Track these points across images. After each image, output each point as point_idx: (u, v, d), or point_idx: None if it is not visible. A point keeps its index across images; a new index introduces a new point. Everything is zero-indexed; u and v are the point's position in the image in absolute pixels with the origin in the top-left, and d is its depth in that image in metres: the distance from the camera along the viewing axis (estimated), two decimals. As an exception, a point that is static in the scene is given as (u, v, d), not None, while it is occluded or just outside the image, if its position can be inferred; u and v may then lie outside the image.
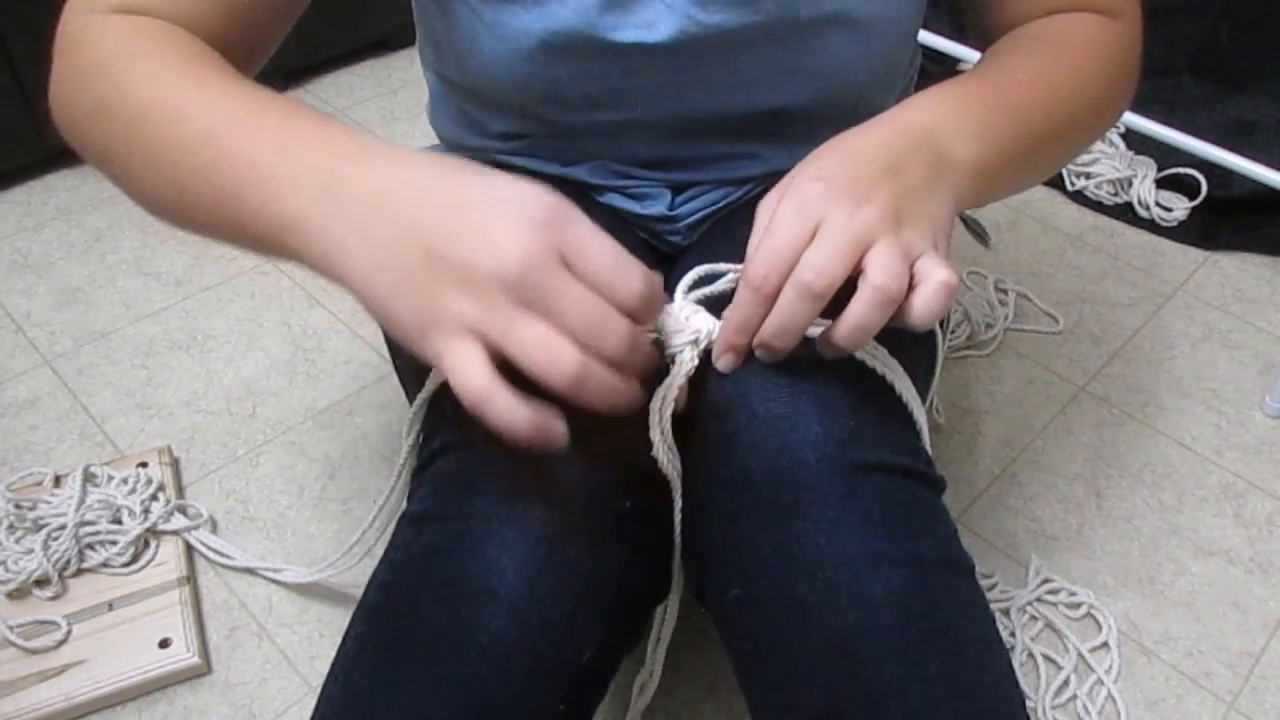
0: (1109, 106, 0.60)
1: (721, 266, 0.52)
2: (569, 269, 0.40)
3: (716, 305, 0.51)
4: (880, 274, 0.43)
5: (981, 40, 0.65)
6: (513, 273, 0.39)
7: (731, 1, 0.55)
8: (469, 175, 0.42)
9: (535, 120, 0.63)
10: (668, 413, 0.50)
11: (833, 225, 0.45)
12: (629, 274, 0.41)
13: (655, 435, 0.50)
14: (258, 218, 0.44)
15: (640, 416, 0.50)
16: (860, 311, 0.44)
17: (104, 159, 0.50)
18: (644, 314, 0.42)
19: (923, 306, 0.44)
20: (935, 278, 0.44)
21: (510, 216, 0.40)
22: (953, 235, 0.51)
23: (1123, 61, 0.60)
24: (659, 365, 0.49)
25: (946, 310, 0.46)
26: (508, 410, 0.40)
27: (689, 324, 0.50)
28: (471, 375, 0.39)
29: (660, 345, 0.50)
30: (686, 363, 0.49)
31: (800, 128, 0.63)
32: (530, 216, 0.40)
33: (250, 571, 0.87)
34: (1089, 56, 0.58)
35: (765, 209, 0.48)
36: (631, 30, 0.56)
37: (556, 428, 0.41)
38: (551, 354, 0.39)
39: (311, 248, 0.43)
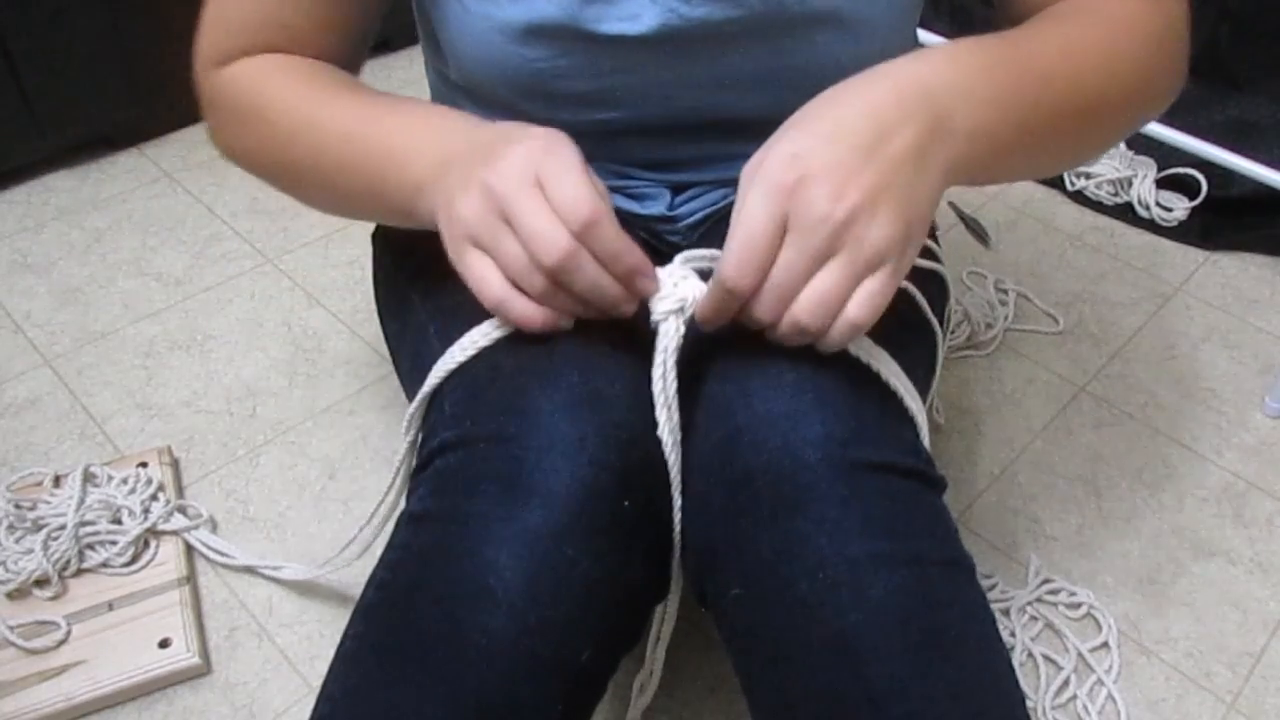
0: (1149, 88, 0.56)
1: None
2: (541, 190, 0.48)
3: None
4: (804, 312, 0.46)
5: (1011, 18, 0.61)
6: (494, 184, 0.48)
7: None
8: (518, 124, 0.52)
9: (527, 118, 0.63)
10: (671, 388, 0.50)
11: (804, 226, 0.45)
12: (581, 200, 0.47)
13: (661, 415, 0.50)
14: (398, 189, 0.55)
15: (639, 400, 0.50)
16: (779, 334, 0.48)
17: (275, 179, 0.62)
18: (594, 244, 0.47)
19: (827, 342, 0.48)
20: (846, 317, 0.46)
21: (512, 148, 0.49)
22: (938, 208, 0.50)
23: (1164, 40, 0.56)
24: (645, 332, 0.51)
25: (872, 321, 0.47)
26: (523, 307, 0.49)
27: (675, 290, 0.50)
28: (492, 285, 0.49)
29: (646, 310, 0.51)
30: (671, 334, 0.50)
31: None
32: (529, 141, 0.49)
33: (250, 570, 0.87)
34: (1126, 32, 0.54)
35: (744, 179, 0.48)
36: (615, 22, 0.56)
37: (563, 320, 0.51)
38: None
39: (427, 200, 0.53)
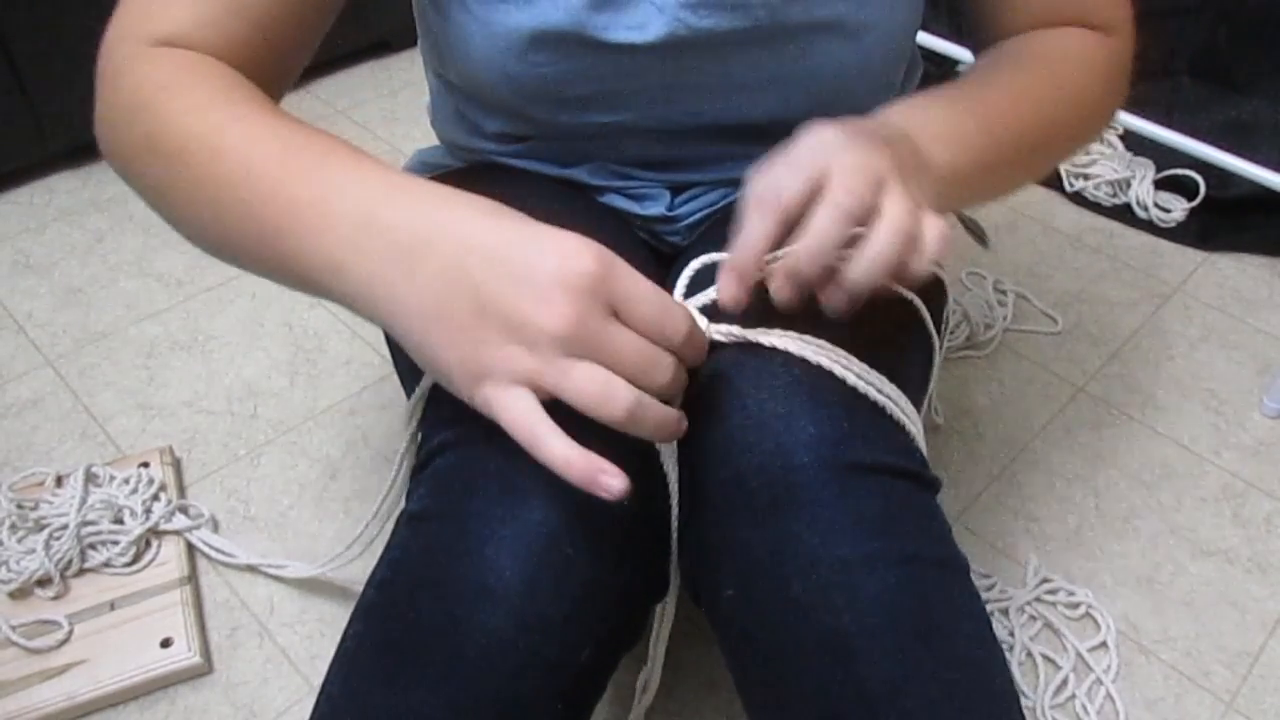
0: (1091, 120, 0.62)
1: (717, 256, 0.51)
2: (616, 317, 0.42)
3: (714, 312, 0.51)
4: (899, 212, 0.45)
5: (976, 49, 0.66)
6: (567, 328, 0.41)
7: (722, 6, 0.55)
8: (508, 220, 0.43)
9: (529, 121, 0.63)
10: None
11: (853, 160, 0.45)
12: (675, 316, 0.43)
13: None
14: (298, 259, 0.45)
15: None
16: (878, 246, 0.44)
17: (149, 193, 0.51)
18: (689, 352, 0.45)
19: (929, 249, 0.46)
20: (937, 224, 0.46)
21: (558, 269, 0.41)
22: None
23: (1109, 77, 0.62)
24: None
25: (944, 256, 0.46)
26: (563, 451, 0.42)
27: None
28: (527, 419, 0.42)
29: None
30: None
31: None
32: (578, 269, 0.41)
33: (252, 569, 0.87)
34: (1073, 71, 0.59)
35: (758, 181, 0.47)
36: (622, 31, 0.56)
37: (609, 468, 0.42)
38: (606, 391, 0.42)
39: (354, 292, 0.44)
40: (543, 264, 0.41)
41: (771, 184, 0.46)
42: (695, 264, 0.53)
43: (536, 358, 0.41)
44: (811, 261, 0.45)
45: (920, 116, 0.53)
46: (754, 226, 0.46)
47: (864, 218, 0.45)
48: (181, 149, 0.47)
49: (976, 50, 0.66)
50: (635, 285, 0.43)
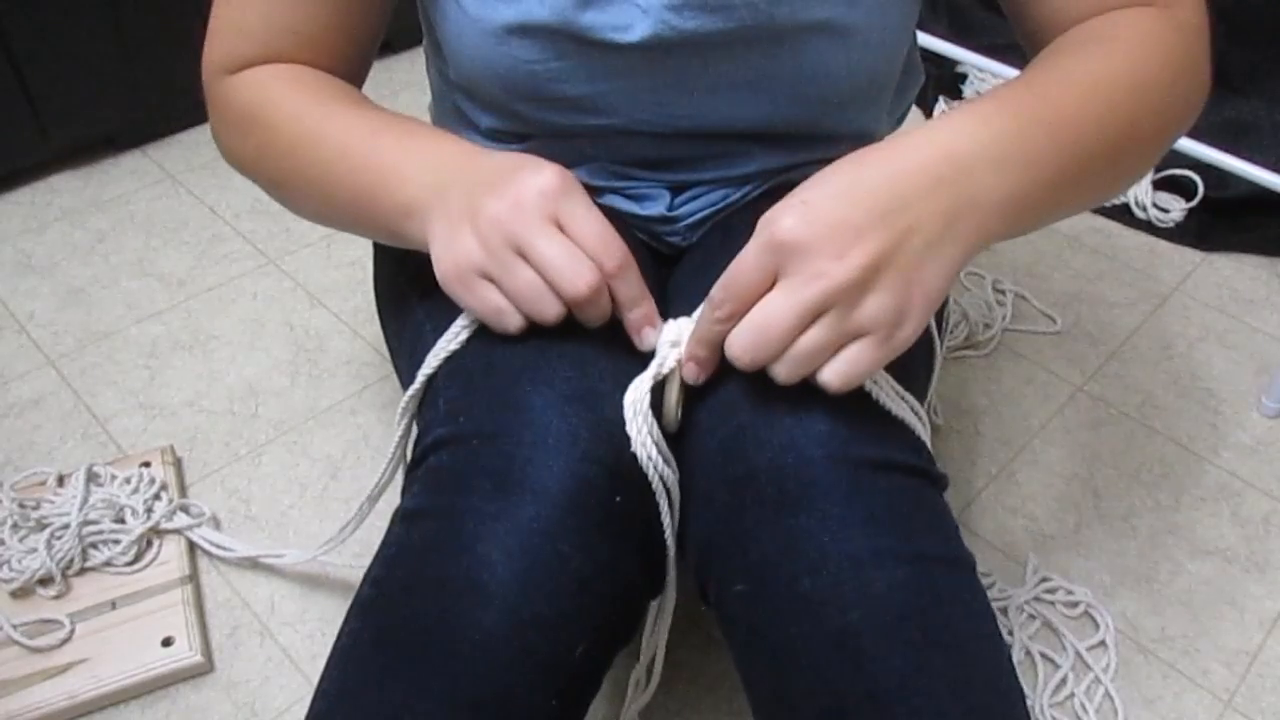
0: (1178, 110, 0.54)
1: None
2: (565, 233, 0.49)
3: None
4: (785, 366, 0.46)
5: (1029, 48, 0.59)
6: (506, 219, 0.49)
7: (706, 7, 0.55)
8: (517, 157, 0.52)
9: (523, 120, 0.63)
10: (644, 405, 0.51)
11: (792, 283, 0.44)
12: (610, 245, 0.49)
13: (631, 430, 0.51)
14: (386, 209, 0.55)
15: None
16: (774, 371, 0.47)
17: (268, 187, 0.62)
18: (620, 286, 0.50)
19: (822, 378, 0.46)
20: (821, 378, 0.46)
21: (523, 181, 0.50)
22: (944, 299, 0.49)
23: (1186, 55, 0.53)
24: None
25: (850, 386, 0.47)
26: (484, 296, 0.51)
27: (672, 328, 0.52)
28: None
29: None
30: (668, 360, 0.51)
31: (793, 139, 0.63)
32: (535, 182, 0.49)
33: (251, 561, 0.87)
34: (1148, 57, 0.52)
35: (758, 226, 0.47)
36: (607, 30, 0.56)
37: (505, 307, 0.51)
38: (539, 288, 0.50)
39: (417, 226, 0.54)
40: (515, 178, 0.50)
41: (722, 292, 0.47)
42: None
43: (488, 245, 0.50)
44: (736, 349, 0.47)
45: (986, 135, 0.46)
46: (704, 326, 0.49)
47: (769, 358, 0.46)
48: (291, 148, 0.58)
49: (1029, 52, 0.59)
50: (583, 209, 0.50)
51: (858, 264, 0.43)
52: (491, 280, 0.50)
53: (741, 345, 0.46)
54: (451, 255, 0.51)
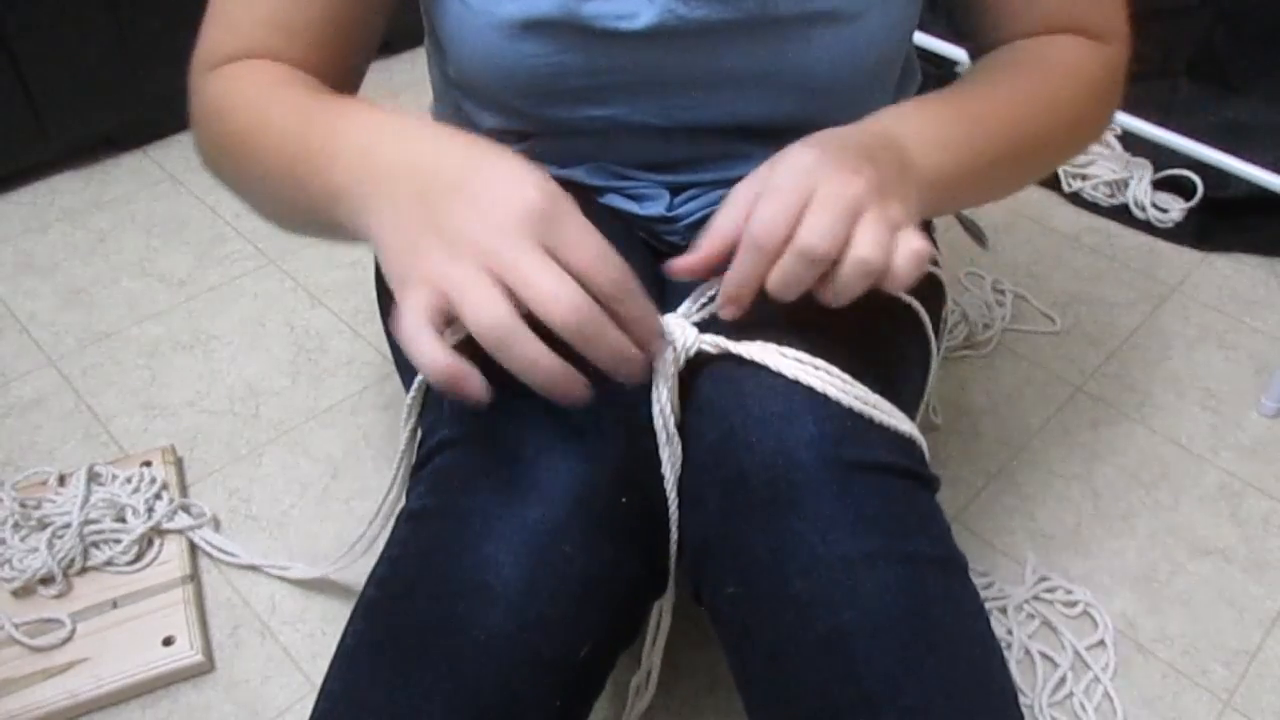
0: (1082, 128, 0.63)
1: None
2: (553, 257, 0.44)
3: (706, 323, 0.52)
4: (866, 246, 0.46)
5: (973, 55, 0.66)
6: (486, 241, 0.43)
7: None
8: (479, 150, 0.46)
9: (524, 117, 0.63)
10: (668, 408, 0.51)
11: (829, 191, 0.46)
12: (609, 266, 0.44)
13: (662, 445, 0.51)
14: (314, 195, 0.50)
15: (636, 398, 0.51)
16: (845, 280, 0.47)
17: (232, 187, 0.57)
18: (621, 308, 0.45)
19: (899, 273, 0.47)
20: (910, 246, 0.47)
21: (502, 192, 0.44)
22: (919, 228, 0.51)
23: (1101, 86, 0.62)
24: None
25: (919, 274, 0.48)
26: (427, 351, 0.42)
27: (675, 330, 0.51)
28: (410, 319, 0.43)
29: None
30: (669, 363, 0.51)
31: (793, 135, 0.63)
32: (520, 196, 0.44)
33: (254, 569, 0.88)
34: (1065, 80, 0.60)
35: (742, 188, 0.49)
36: (612, 20, 0.56)
37: (465, 373, 0.43)
38: (494, 315, 0.42)
39: (351, 211, 0.48)
40: (491, 186, 0.44)
41: (756, 218, 0.47)
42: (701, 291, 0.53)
43: (450, 264, 0.43)
44: (781, 294, 0.48)
45: (911, 121, 0.54)
46: (744, 269, 0.48)
47: (835, 251, 0.46)
48: (242, 138, 0.53)
49: (972, 58, 0.67)
50: (575, 228, 0.44)
51: (870, 176, 0.47)
52: (451, 302, 0.43)
53: (812, 232, 0.46)
54: (398, 261, 0.45)
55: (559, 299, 0.42)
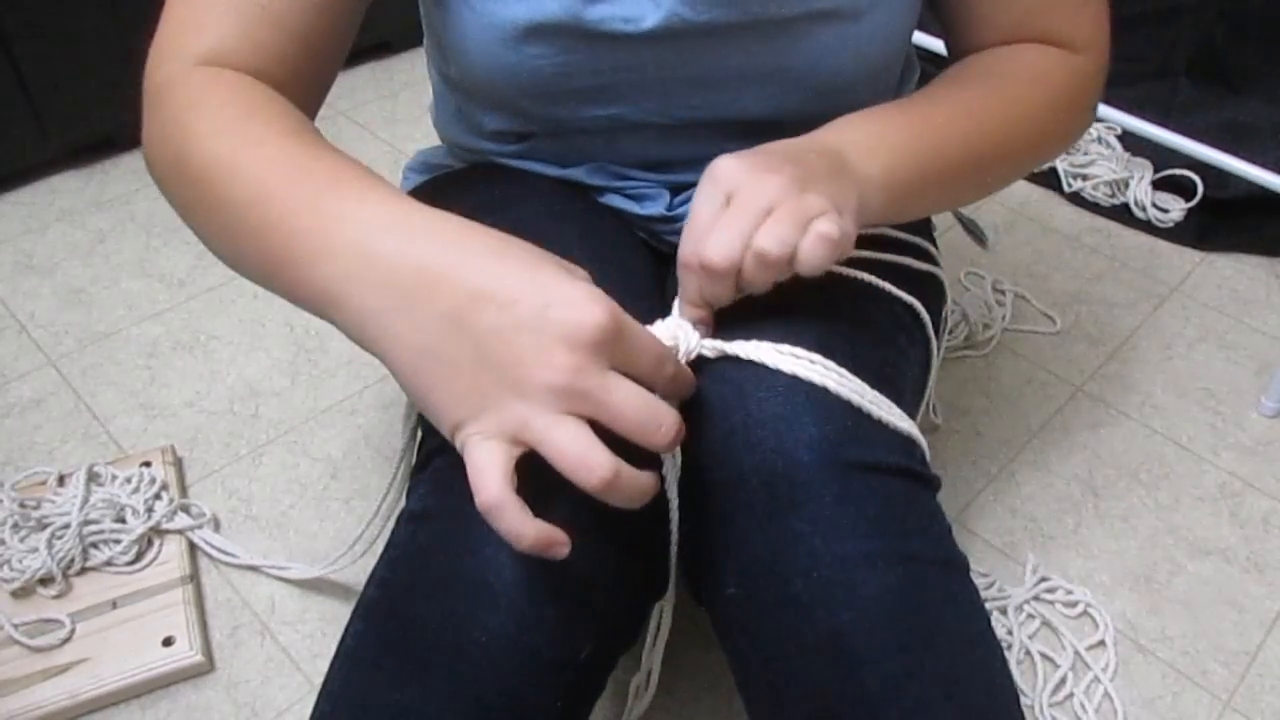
0: (1046, 137, 0.62)
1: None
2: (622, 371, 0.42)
3: None
4: (762, 238, 0.47)
5: (950, 57, 0.66)
6: (562, 381, 0.40)
7: (718, 0, 0.56)
8: (517, 265, 0.42)
9: (527, 118, 0.63)
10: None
11: (741, 199, 0.48)
12: (668, 363, 0.46)
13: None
14: (301, 287, 0.45)
15: None
16: (747, 273, 0.48)
17: (179, 210, 0.51)
18: (678, 389, 0.48)
19: (804, 257, 0.47)
20: (817, 230, 0.47)
21: (564, 323, 0.40)
22: (858, 214, 0.53)
23: (1072, 95, 0.62)
24: None
25: (830, 260, 0.48)
26: (515, 523, 0.41)
27: (677, 333, 0.52)
28: (490, 483, 0.40)
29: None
30: (691, 338, 0.51)
31: (793, 133, 0.63)
32: (586, 323, 0.41)
33: (254, 569, 0.88)
34: (1030, 87, 0.60)
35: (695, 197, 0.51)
36: (617, 22, 0.56)
37: (559, 540, 0.42)
38: (585, 457, 0.41)
39: (352, 322, 0.44)
40: (548, 316, 0.40)
41: (682, 241, 0.50)
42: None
43: (526, 409, 0.40)
44: (712, 305, 0.51)
45: (851, 130, 0.55)
46: (686, 288, 0.51)
47: (739, 256, 0.48)
48: (204, 170, 0.47)
49: (950, 60, 0.67)
50: (639, 338, 0.43)
51: (788, 172, 0.49)
52: (521, 440, 0.41)
53: (716, 249, 0.47)
54: (460, 408, 0.42)
55: (661, 426, 0.42)
